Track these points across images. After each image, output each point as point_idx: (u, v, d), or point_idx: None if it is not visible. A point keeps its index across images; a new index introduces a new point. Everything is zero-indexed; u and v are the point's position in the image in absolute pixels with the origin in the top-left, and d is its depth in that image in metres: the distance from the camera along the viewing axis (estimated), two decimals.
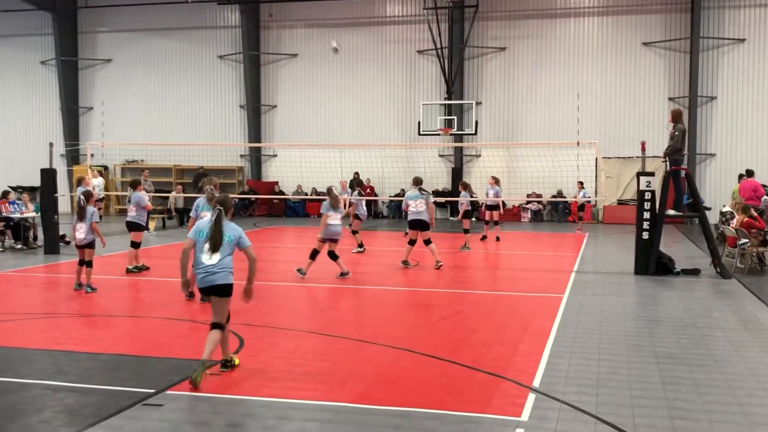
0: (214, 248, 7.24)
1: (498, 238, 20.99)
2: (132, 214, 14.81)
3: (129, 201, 15.13)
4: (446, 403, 6.43)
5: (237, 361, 7.62)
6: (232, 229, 7.39)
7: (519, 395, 6.67)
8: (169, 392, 6.66)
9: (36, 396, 6.61)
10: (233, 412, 6.19)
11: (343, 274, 13.75)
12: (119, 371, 7.48)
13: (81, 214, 12.15)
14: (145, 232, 22.58)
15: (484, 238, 20.85)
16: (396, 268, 15.36)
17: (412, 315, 10.53)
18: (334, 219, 13.65)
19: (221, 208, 7.37)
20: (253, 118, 32.11)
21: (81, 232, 12.16)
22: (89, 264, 12.22)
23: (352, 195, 20.65)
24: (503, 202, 29.54)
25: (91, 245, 12.24)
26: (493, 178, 21.44)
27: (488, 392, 6.75)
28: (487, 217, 21.41)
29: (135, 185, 15.30)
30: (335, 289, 12.95)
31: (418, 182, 15.68)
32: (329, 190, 14.19)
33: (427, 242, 15.33)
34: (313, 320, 10.10)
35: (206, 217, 7.70)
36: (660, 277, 14.10)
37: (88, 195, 12.45)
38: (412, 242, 15.56)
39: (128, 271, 14.35)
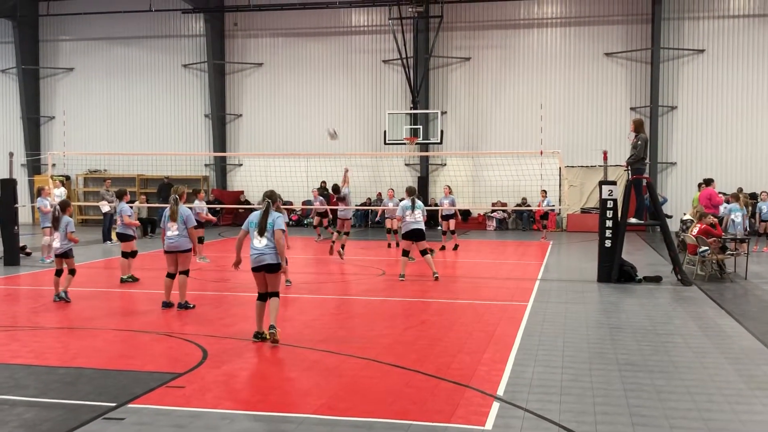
0: (261, 232, 8.99)
1: (456, 247, 21.00)
2: (120, 224, 14.87)
3: (116, 212, 15.10)
4: (411, 413, 6.43)
5: (268, 337, 8.97)
6: (275, 216, 9.12)
7: (483, 404, 6.69)
8: (130, 406, 6.57)
9: None
10: (194, 425, 6.12)
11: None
12: (79, 385, 7.35)
13: (56, 224, 12.25)
14: (109, 242, 22.45)
15: (443, 248, 20.81)
16: (361, 277, 15.34)
17: (378, 324, 10.51)
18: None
19: (270, 200, 9.16)
20: (218, 128, 31.94)
21: (56, 242, 12.24)
22: (72, 272, 12.31)
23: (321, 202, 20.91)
24: (467, 211, 29.77)
25: (67, 254, 12.28)
26: (447, 187, 21.68)
27: (453, 402, 6.76)
28: (443, 227, 21.47)
29: (121, 196, 15.21)
30: (299, 299, 12.89)
31: (412, 192, 15.42)
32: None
33: (424, 253, 15.09)
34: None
35: (257, 211, 9.24)
36: (622, 284, 14.27)
37: (64, 205, 12.53)
38: (406, 253, 15.14)
39: (122, 281, 14.28)
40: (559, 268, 17.48)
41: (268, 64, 32.05)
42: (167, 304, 11.64)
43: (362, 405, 6.67)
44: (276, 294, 9.18)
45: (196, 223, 12.00)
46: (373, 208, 28.57)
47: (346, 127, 31.03)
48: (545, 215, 25.37)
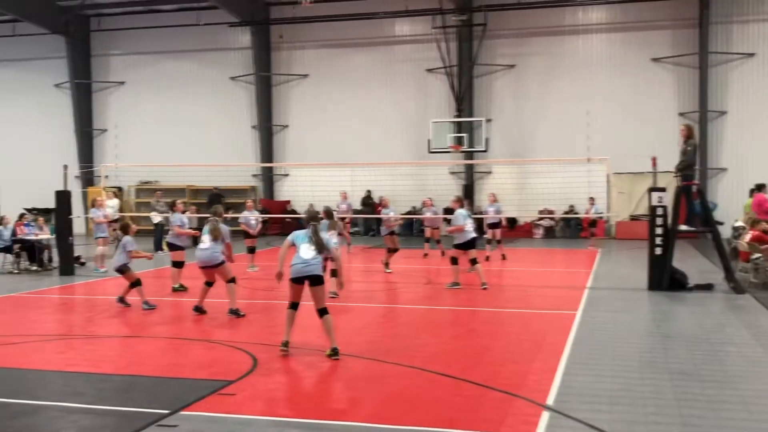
0: (320, 249, 9.11)
1: (504, 256, 20.43)
2: (172, 234, 15.19)
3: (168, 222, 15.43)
4: (459, 422, 6.43)
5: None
6: (327, 237, 9.50)
7: (533, 413, 6.66)
8: (182, 413, 6.69)
9: (51, 418, 6.66)
10: None
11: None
12: (133, 392, 7.52)
13: (118, 246, 12.93)
14: (160, 252, 22.82)
15: (487, 258, 20.21)
16: (406, 286, 15.36)
17: (424, 333, 10.53)
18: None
19: (315, 223, 9.38)
20: (265, 139, 32.30)
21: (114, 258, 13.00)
22: (137, 283, 12.64)
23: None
24: (514, 219, 29.59)
25: (121, 270, 12.66)
26: (493, 194, 21.34)
27: (501, 411, 6.75)
28: (489, 236, 21.05)
29: (172, 206, 15.53)
30: (345, 307, 12.96)
31: (462, 201, 15.45)
32: (328, 212, 14.12)
33: (475, 262, 14.97)
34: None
35: (302, 231, 9.34)
36: (673, 292, 14.03)
37: (125, 227, 13.03)
38: (455, 261, 14.95)
39: (174, 290, 14.55)
40: (608, 276, 17.27)
41: (314, 75, 32.32)
42: (199, 309, 11.92)
43: (410, 414, 6.69)
44: (326, 311, 9.13)
45: (229, 240, 12.33)
46: (411, 216, 28.44)
47: (391, 136, 31.11)
48: (593, 223, 25.08)
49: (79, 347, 9.79)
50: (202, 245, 11.91)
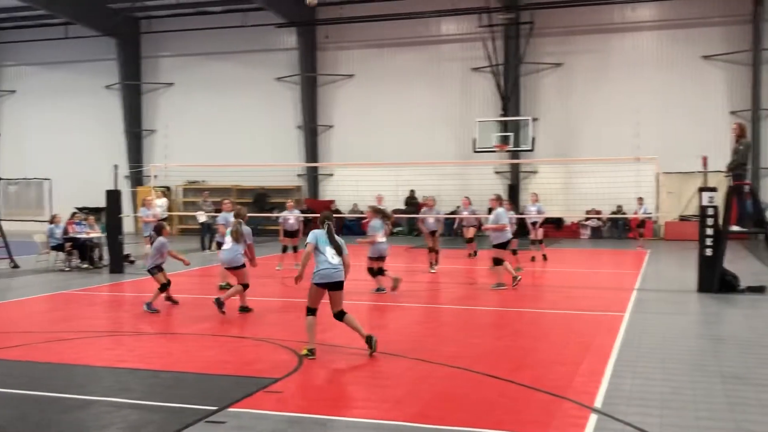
0: (338, 251, 9.01)
1: (545, 257, 20.13)
2: (219, 233, 15.41)
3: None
4: (505, 423, 6.38)
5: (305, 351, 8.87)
6: (340, 239, 9.19)
7: (580, 416, 6.57)
8: (230, 409, 6.75)
9: (101, 413, 6.78)
10: (292, 430, 6.24)
11: (379, 290, 14.10)
12: (182, 388, 7.61)
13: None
14: (206, 251, 23.10)
15: (533, 258, 20.11)
16: (451, 286, 15.31)
17: (470, 333, 10.47)
18: (381, 237, 14.07)
19: (329, 222, 9.21)
20: (310, 138, 32.49)
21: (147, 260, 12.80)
22: (164, 287, 12.66)
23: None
24: (560, 219, 29.29)
25: (151, 272, 12.65)
26: (534, 194, 21.17)
27: (548, 413, 6.67)
28: (532, 236, 20.76)
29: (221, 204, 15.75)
30: (390, 307, 12.96)
31: (502, 200, 15.41)
32: (379, 211, 14.55)
33: (501, 262, 14.84)
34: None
35: (320, 231, 9.19)
36: (724, 294, 13.73)
37: (159, 228, 13.04)
38: (499, 261, 14.71)
39: (220, 288, 14.67)
40: (657, 277, 16.99)
41: (359, 75, 32.41)
42: (245, 309, 12.15)
43: (456, 414, 6.66)
44: (344, 312, 9.14)
45: (252, 240, 12.48)
46: (449, 216, 28.21)
47: (435, 135, 31.06)
48: (642, 223, 24.68)
49: (128, 344, 9.95)
50: (224, 246, 12.30)
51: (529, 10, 29.19)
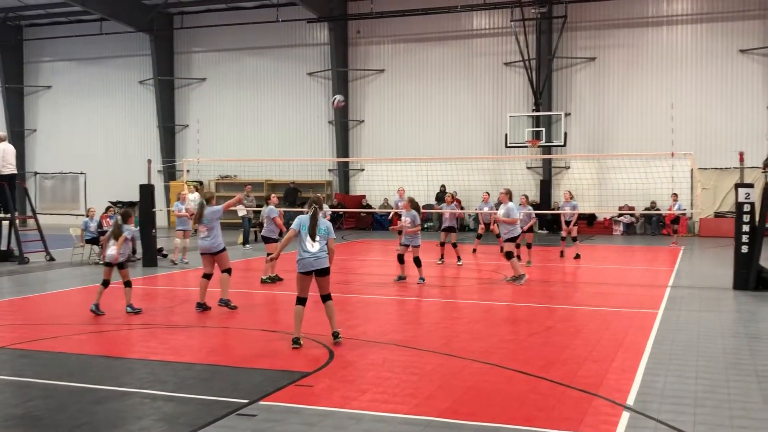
0: (312, 236, 9.08)
1: (578, 256, 19.76)
2: (266, 227, 15.41)
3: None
4: (536, 419, 6.35)
5: (301, 343, 9.10)
6: (324, 222, 9.29)
7: (613, 413, 6.51)
8: (261, 403, 6.80)
9: (136, 404, 6.87)
10: (323, 424, 6.27)
11: (400, 278, 15.02)
12: (214, 381, 7.68)
13: (116, 235, 11.73)
14: (246, 246, 23.20)
15: (562, 254, 20.12)
16: (482, 282, 15.26)
17: (501, 330, 10.43)
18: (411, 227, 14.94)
19: (316, 206, 9.25)
20: (341, 133, 32.56)
21: (111, 249, 11.69)
22: (128, 284, 11.86)
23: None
24: (593, 215, 29.04)
25: (124, 265, 11.86)
26: (569, 192, 21.06)
27: (580, 410, 6.62)
28: (564, 233, 20.61)
29: (268, 199, 15.84)
30: (422, 302, 12.97)
31: (511, 194, 15.58)
32: (413, 203, 15.28)
33: (511, 255, 15.05)
34: (401, 333, 10.12)
35: (305, 215, 9.33)
36: (760, 292, 13.53)
37: (126, 215, 12.10)
38: (511, 255, 14.89)
39: (263, 282, 14.88)
40: (691, 274, 16.78)
41: (390, 70, 32.40)
42: (202, 306, 11.77)
43: (487, 410, 6.64)
44: (329, 297, 9.33)
45: (219, 216, 12.21)
46: (468, 211, 28.04)
47: (467, 130, 30.98)
48: (676, 219, 24.38)
49: (162, 336, 10.06)
50: (201, 234, 11.98)
51: (563, 4, 28.95)
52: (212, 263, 12.03)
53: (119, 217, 12.06)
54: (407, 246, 15.07)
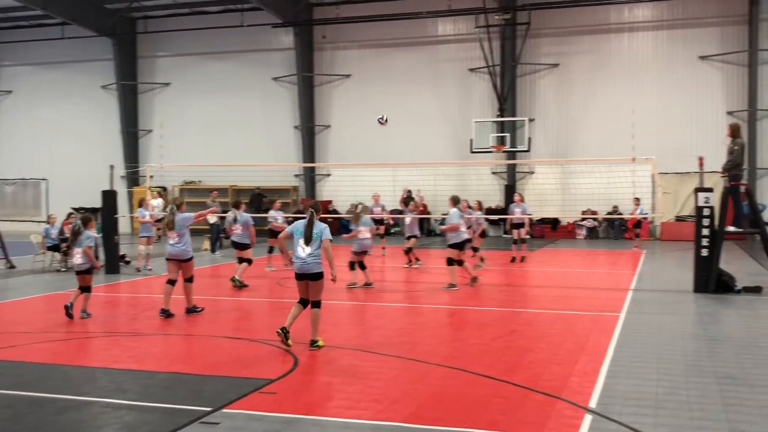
0: (306, 241, 9.29)
1: (523, 259, 20.12)
2: (238, 233, 15.30)
3: (235, 221, 15.45)
4: (500, 423, 6.38)
5: (322, 343, 9.34)
6: (319, 226, 9.42)
7: (575, 416, 6.58)
8: (225, 411, 6.75)
9: (97, 413, 6.77)
10: (286, 431, 6.24)
11: (367, 284, 14.76)
12: (177, 389, 7.61)
13: (74, 239, 11.91)
14: (217, 253, 22.99)
15: (513, 260, 20.19)
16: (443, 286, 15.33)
17: (465, 334, 10.48)
18: (364, 233, 14.99)
19: (313, 210, 9.51)
20: (307, 139, 32.48)
21: (78, 257, 11.88)
22: (87, 290, 11.92)
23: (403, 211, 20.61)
24: (556, 219, 29.32)
25: (89, 271, 11.91)
26: (519, 194, 21.38)
27: (543, 413, 6.68)
28: (514, 236, 20.91)
29: (237, 206, 15.73)
30: (387, 307, 12.97)
31: (458, 201, 15.56)
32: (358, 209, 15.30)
33: (462, 262, 15.16)
34: (365, 339, 10.12)
35: (302, 220, 9.56)
36: (720, 295, 13.77)
37: (86, 220, 12.14)
38: (451, 261, 14.98)
39: (232, 281, 14.85)
40: (653, 278, 17.01)
41: (356, 75, 32.40)
42: (166, 313, 11.69)
43: (451, 414, 6.66)
44: (317, 304, 9.45)
45: (189, 223, 12.15)
46: (435, 216, 28.18)
47: (432, 136, 31.05)
48: (638, 224, 24.70)
49: (124, 344, 9.94)
50: (170, 240, 11.97)
51: (526, 11, 29.21)
52: (178, 270, 11.96)
53: (79, 222, 12.00)
54: (364, 252, 15.15)
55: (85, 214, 12.65)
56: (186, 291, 11.98)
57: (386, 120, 20.12)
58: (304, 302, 9.50)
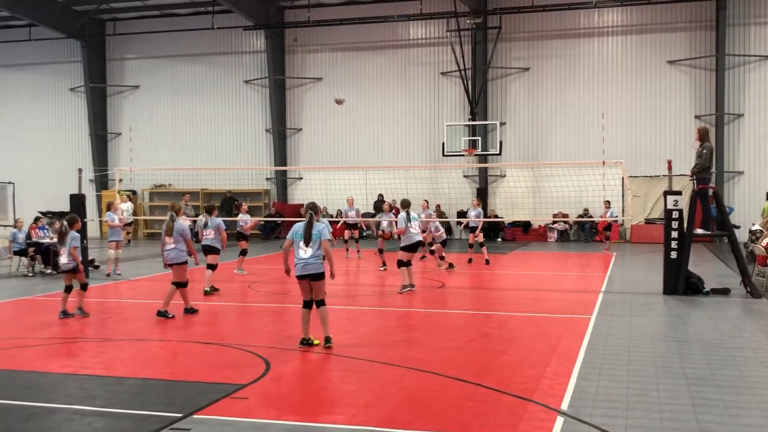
0: (307, 242, 9.45)
1: (487, 261, 20.38)
2: (210, 237, 15.18)
3: (206, 225, 15.30)
4: (472, 426, 6.39)
5: (317, 342, 9.56)
6: (318, 227, 9.59)
7: (547, 419, 6.60)
8: (196, 416, 6.68)
9: (64, 420, 6.67)
10: None
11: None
12: (147, 395, 7.51)
13: (61, 240, 12.13)
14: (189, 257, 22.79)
15: (470, 261, 20.64)
16: (423, 290, 15.33)
17: (438, 337, 10.48)
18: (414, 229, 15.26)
19: (312, 211, 9.66)
20: (279, 142, 32.36)
21: (63, 257, 12.18)
22: (83, 287, 12.33)
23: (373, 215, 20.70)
24: (528, 222, 29.51)
25: (75, 270, 12.18)
26: (477, 198, 21.77)
27: (515, 415, 6.69)
28: (470, 240, 21.31)
29: (210, 211, 15.60)
30: (357, 311, 12.94)
31: (407, 205, 15.73)
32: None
33: (409, 263, 15.25)
34: (338, 343, 10.07)
35: (300, 223, 9.74)
36: (689, 297, 13.92)
37: (72, 221, 12.41)
38: (402, 263, 15.10)
39: (205, 293, 14.60)
40: (623, 280, 17.16)
41: (328, 78, 32.36)
42: (162, 313, 12.04)
43: (424, 418, 6.65)
44: (323, 302, 9.61)
45: (189, 235, 12.61)
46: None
47: (404, 139, 31.14)
48: (608, 226, 24.94)
49: (92, 350, 9.81)
50: (167, 246, 12.32)
51: (497, 15, 29.40)
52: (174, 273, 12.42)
53: (65, 222, 12.29)
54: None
55: (72, 215, 12.87)
56: (167, 294, 12.23)
57: (343, 100, 20.18)
58: (307, 304, 9.61)
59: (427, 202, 21.82)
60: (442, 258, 18.84)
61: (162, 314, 11.97)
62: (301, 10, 31.73)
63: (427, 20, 30.80)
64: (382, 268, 18.89)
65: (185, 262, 12.42)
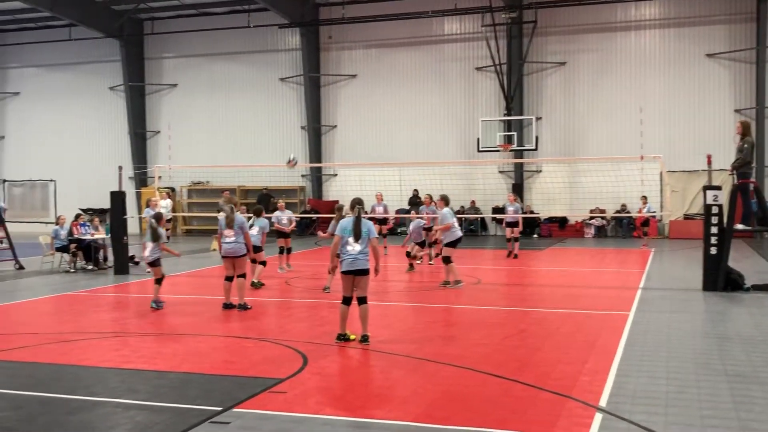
0: (357, 238, 9.56)
1: (515, 256, 20.49)
2: (254, 236, 15.20)
3: (251, 226, 15.44)
4: (510, 422, 6.38)
5: (353, 337, 9.66)
6: (367, 224, 9.76)
7: (585, 415, 6.57)
8: (235, 410, 6.77)
9: (108, 414, 6.80)
10: (297, 430, 6.25)
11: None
12: (187, 389, 7.62)
13: (155, 236, 12.79)
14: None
15: (512, 256, 20.68)
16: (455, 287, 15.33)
17: (475, 333, 10.47)
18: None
19: (360, 207, 9.84)
20: (314, 139, 32.52)
21: (147, 250, 12.81)
22: (158, 281, 12.78)
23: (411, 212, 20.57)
24: (564, 218, 29.29)
25: (155, 263, 12.74)
26: (513, 194, 21.69)
27: (553, 412, 6.67)
28: (507, 235, 21.31)
29: (259, 213, 15.81)
30: (395, 307, 12.98)
31: (448, 201, 15.66)
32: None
33: (449, 260, 15.22)
34: (375, 338, 10.11)
35: (349, 217, 9.89)
36: (729, 293, 13.72)
37: (158, 217, 13.19)
38: (448, 260, 15.08)
39: (253, 285, 14.91)
40: (661, 276, 16.97)
41: (362, 75, 32.42)
42: (228, 305, 12.44)
43: (461, 414, 6.66)
44: (365, 300, 9.66)
45: (248, 229, 12.93)
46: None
47: (439, 135, 31.09)
48: (646, 222, 24.66)
49: (134, 345, 9.97)
50: (226, 238, 12.54)
51: (533, 9, 29.18)
52: (233, 266, 12.55)
53: (153, 221, 12.95)
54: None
55: (157, 212, 14.06)
56: (238, 287, 12.49)
57: (295, 162, 20.20)
58: (347, 300, 9.66)
59: (431, 197, 20.74)
60: (418, 258, 18.58)
61: (242, 307, 12.35)
62: (335, 7, 31.82)
63: (462, 15, 30.69)
64: (418, 262, 18.62)
65: (245, 255, 12.67)
